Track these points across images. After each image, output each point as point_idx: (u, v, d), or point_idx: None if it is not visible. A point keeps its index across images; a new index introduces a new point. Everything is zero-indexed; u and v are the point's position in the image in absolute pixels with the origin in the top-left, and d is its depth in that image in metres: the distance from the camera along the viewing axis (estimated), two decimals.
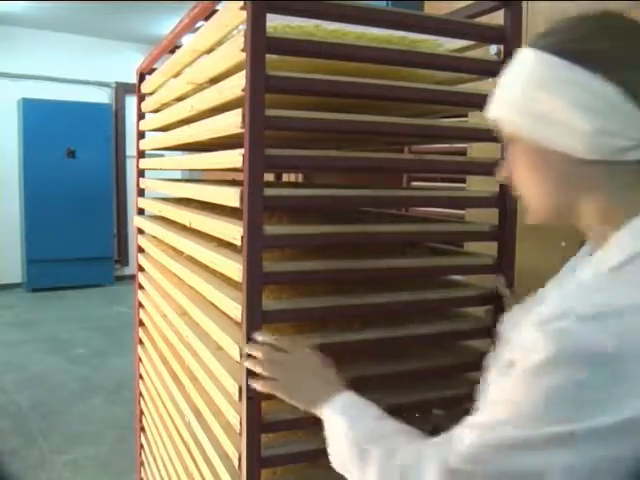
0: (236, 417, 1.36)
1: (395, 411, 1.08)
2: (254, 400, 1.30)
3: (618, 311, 0.78)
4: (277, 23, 1.48)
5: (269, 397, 1.26)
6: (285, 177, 3.46)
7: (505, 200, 1.75)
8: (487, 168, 1.77)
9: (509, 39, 1.74)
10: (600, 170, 0.85)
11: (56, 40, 8.30)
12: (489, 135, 1.45)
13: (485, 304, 1.71)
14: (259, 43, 1.30)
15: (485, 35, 1.87)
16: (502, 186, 1.74)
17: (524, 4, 2.95)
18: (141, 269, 2.78)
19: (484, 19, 2.05)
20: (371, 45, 1.55)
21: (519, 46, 1.68)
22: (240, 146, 1.33)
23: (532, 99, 0.90)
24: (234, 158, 1.36)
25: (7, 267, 8.22)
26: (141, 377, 2.85)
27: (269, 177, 2.75)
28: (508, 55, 1.71)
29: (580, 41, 0.96)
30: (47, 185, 7.97)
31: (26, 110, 8.05)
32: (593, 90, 0.85)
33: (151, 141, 2.65)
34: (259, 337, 1.27)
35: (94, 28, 8.16)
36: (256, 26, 1.33)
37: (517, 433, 0.79)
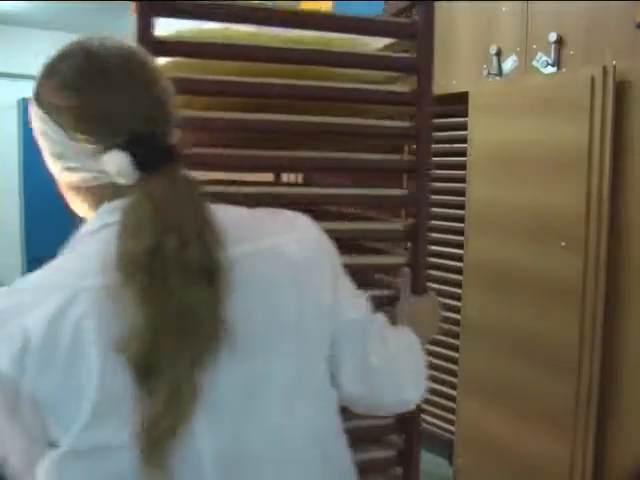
0: None
1: None
2: None
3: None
4: (189, 28, 1.57)
5: None
6: (285, 177, 3.42)
7: (420, 200, 1.85)
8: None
9: (422, 35, 1.74)
10: (86, 189, 1.05)
11: (56, 40, 8.20)
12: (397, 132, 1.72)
13: None
14: (147, 46, 1.32)
15: (398, 32, 1.86)
16: (418, 188, 1.86)
17: (524, 5, 2.96)
18: None
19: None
20: (261, 45, 1.60)
21: (431, 42, 1.76)
22: None
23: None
24: None
25: (7, 265, 8.20)
26: None
27: (268, 177, 2.72)
28: (421, 51, 1.74)
29: (36, 86, 1.09)
30: (47, 184, 7.84)
31: (26, 110, 8.00)
32: (52, 137, 1.05)
33: None
34: None
35: (93, 28, 8.11)
36: (143, 28, 1.53)
37: None
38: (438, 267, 3.62)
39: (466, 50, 3.30)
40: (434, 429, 3.68)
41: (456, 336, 3.31)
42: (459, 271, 3.26)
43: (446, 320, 3.54)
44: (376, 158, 1.90)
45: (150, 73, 1.00)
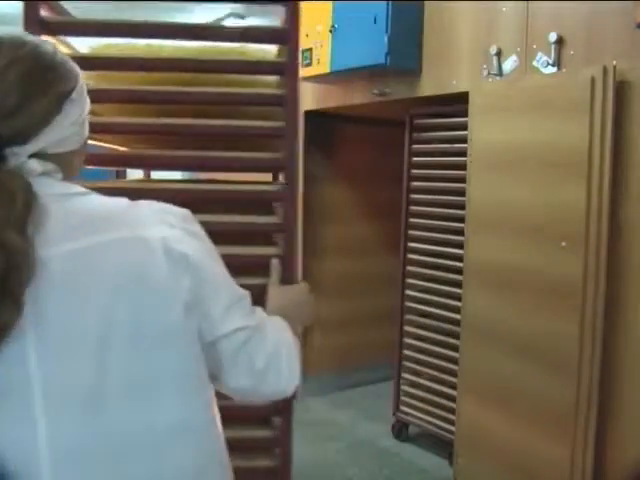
0: None
1: None
2: None
3: None
4: (99, 44, 2.01)
5: None
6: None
7: (286, 196, 1.95)
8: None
9: (289, 38, 1.86)
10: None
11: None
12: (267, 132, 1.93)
13: None
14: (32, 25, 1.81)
15: (269, 37, 2.00)
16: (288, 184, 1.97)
17: (524, 5, 2.96)
18: None
19: None
20: (135, 56, 1.96)
21: (297, 44, 1.85)
22: None
23: None
24: None
25: None
26: None
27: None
28: (291, 53, 1.86)
29: None
30: None
31: None
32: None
33: None
34: None
35: None
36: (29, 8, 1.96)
37: None
38: (438, 267, 3.62)
39: (466, 50, 3.30)
40: (434, 429, 3.68)
41: (456, 336, 3.31)
42: (459, 271, 3.26)
43: (446, 320, 3.54)
44: (246, 156, 2.01)
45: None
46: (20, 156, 0.98)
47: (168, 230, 1.05)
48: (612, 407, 2.66)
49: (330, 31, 3.72)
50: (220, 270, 1.15)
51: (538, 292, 2.78)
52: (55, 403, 0.94)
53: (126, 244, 1.01)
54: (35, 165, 0.99)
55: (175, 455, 1.04)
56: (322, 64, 3.80)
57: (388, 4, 3.40)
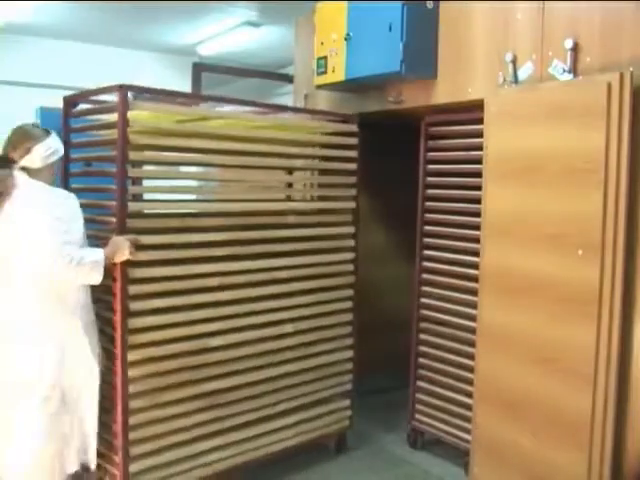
0: None
1: None
2: None
3: None
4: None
5: None
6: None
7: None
8: None
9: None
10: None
11: (73, 49, 8.35)
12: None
13: None
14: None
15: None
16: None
17: (539, 11, 2.95)
18: None
19: None
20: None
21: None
22: None
23: None
24: None
25: None
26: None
27: None
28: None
29: None
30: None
31: (43, 118, 8.06)
32: None
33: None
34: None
35: (110, 37, 8.20)
36: (123, 113, 2.80)
37: None
38: (454, 275, 3.61)
39: (482, 57, 3.29)
40: (450, 438, 3.66)
41: (472, 344, 3.30)
42: (475, 279, 3.24)
43: (462, 328, 3.53)
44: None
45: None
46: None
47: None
48: (629, 416, 2.64)
49: (345, 39, 3.73)
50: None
51: (554, 300, 2.76)
52: None
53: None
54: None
55: None
56: (337, 72, 3.80)
57: (403, 12, 3.40)
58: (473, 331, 3.28)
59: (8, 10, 6.84)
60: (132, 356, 2.89)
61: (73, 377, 2.77)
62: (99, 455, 2.96)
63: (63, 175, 3.20)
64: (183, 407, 3.09)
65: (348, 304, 3.82)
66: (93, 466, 2.92)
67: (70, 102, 3.39)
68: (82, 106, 3.51)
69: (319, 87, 4.08)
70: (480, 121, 3.15)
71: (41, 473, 2.72)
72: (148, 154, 3.04)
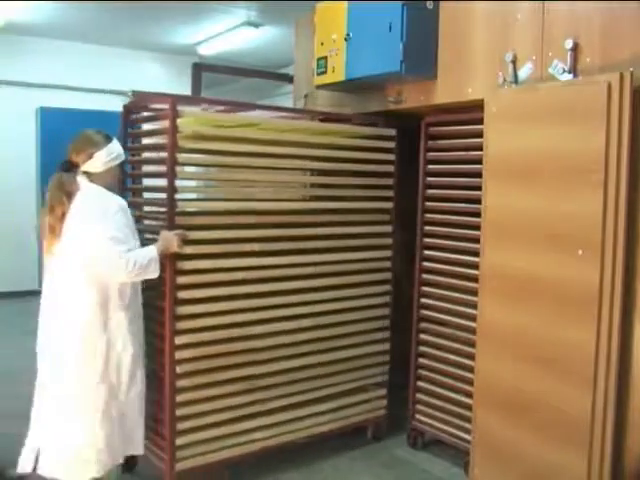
0: None
1: None
2: None
3: None
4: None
5: None
6: None
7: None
8: None
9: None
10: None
11: (72, 49, 8.37)
12: None
13: None
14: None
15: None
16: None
17: (539, 12, 2.95)
18: None
19: None
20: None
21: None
22: None
23: None
24: None
25: (24, 274, 8.27)
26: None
27: None
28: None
29: None
30: None
31: (43, 118, 8.12)
32: None
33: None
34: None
35: (110, 37, 8.21)
36: (173, 120, 3.07)
37: None
38: (454, 275, 3.61)
39: (482, 58, 3.29)
40: (450, 438, 3.66)
41: (472, 345, 3.30)
42: (475, 279, 3.24)
43: (462, 328, 3.53)
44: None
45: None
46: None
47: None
48: (629, 416, 2.64)
49: (345, 39, 3.73)
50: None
51: (554, 300, 2.76)
52: None
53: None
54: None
55: None
56: (337, 72, 3.80)
57: (403, 12, 3.40)
58: (473, 331, 3.28)
59: (8, 10, 6.84)
60: (179, 340, 3.17)
61: (120, 367, 2.97)
62: (151, 432, 3.28)
63: (122, 175, 3.42)
64: (224, 389, 3.35)
65: (385, 299, 3.98)
66: (138, 452, 3.15)
67: (128, 110, 3.62)
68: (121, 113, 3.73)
69: (319, 87, 4.08)
70: (480, 121, 3.15)
71: (92, 451, 2.91)
72: (195, 157, 3.32)
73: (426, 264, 3.82)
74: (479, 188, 3.17)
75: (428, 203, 3.79)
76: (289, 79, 8.54)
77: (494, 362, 3.06)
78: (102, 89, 8.69)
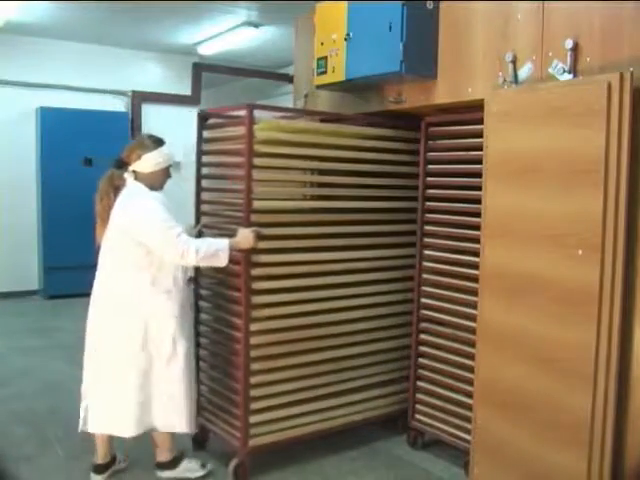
0: None
1: None
2: None
3: None
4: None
5: None
6: None
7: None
8: None
9: None
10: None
11: (72, 49, 8.36)
12: None
13: None
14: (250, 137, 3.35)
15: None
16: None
17: (539, 11, 2.95)
18: None
19: None
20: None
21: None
22: None
23: None
24: None
25: (24, 274, 8.28)
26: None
27: None
28: None
29: None
30: (64, 193, 8.01)
31: (44, 118, 8.11)
32: None
33: None
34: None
35: (110, 37, 8.21)
36: (250, 127, 3.34)
37: None
38: (454, 275, 3.61)
39: (482, 57, 3.29)
40: (450, 438, 3.66)
41: (472, 344, 3.30)
42: (475, 279, 3.24)
43: (462, 328, 3.53)
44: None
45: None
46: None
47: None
48: (629, 416, 2.64)
49: (345, 39, 3.73)
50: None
51: (554, 300, 2.77)
52: None
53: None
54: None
55: None
56: (337, 72, 3.80)
57: (403, 12, 3.40)
58: (473, 331, 3.28)
59: (8, 10, 6.84)
60: (254, 327, 3.47)
61: (162, 340, 3.28)
62: (221, 410, 3.68)
63: (197, 176, 3.85)
64: (288, 373, 3.64)
65: (408, 295, 4.07)
66: (184, 430, 3.42)
67: (203, 116, 3.83)
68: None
69: (319, 87, 4.08)
70: (480, 121, 3.15)
71: (129, 412, 3.26)
72: (268, 161, 3.54)
73: (426, 264, 3.82)
74: (479, 188, 3.17)
75: (428, 203, 3.79)
76: (289, 79, 8.56)
77: (494, 362, 3.06)
78: (102, 89, 8.69)
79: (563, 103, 2.72)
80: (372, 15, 3.59)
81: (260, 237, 3.37)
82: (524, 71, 3.07)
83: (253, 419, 3.51)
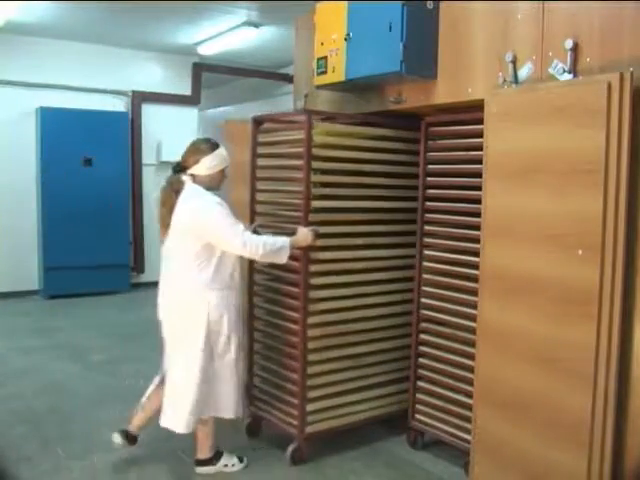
0: None
1: None
2: None
3: None
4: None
5: None
6: None
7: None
8: None
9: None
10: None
11: (73, 49, 8.36)
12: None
13: None
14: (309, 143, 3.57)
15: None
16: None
17: (539, 11, 2.95)
18: None
19: None
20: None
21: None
22: None
23: None
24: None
25: (24, 274, 8.28)
26: None
27: None
28: None
29: None
30: (64, 193, 8.03)
31: (44, 118, 8.11)
32: None
33: None
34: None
35: (110, 37, 8.21)
36: (308, 131, 3.54)
37: None
38: (454, 275, 3.61)
39: (482, 58, 3.29)
40: (450, 438, 3.66)
41: (472, 344, 3.30)
42: (475, 279, 3.24)
43: (462, 328, 3.53)
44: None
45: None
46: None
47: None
48: (629, 416, 2.64)
49: (345, 39, 3.73)
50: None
51: (554, 300, 2.77)
52: None
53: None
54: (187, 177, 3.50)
55: None
56: (337, 72, 3.80)
57: (403, 12, 3.40)
58: (473, 331, 3.28)
59: (8, 10, 6.84)
60: (311, 320, 3.69)
61: (219, 336, 3.42)
62: (276, 400, 3.91)
63: (251, 178, 4.03)
64: (335, 365, 3.84)
65: (411, 295, 4.10)
66: (229, 416, 3.54)
67: (257, 121, 4.02)
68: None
69: (319, 87, 4.08)
70: (480, 121, 3.15)
71: (191, 399, 3.38)
72: (324, 164, 3.75)
73: (426, 264, 3.82)
74: (479, 188, 3.16)
75: (428, 203, 3.79)
76: (289, 79, 8.56)
77: (494, 362, 3.06)
78: (102, 89, 8.69)
79: (563, 103, 2.72)
80: (372, 15, 3.59)
81: (318, 235, 3.56)
82: (524, 71, 3.07)
83: (310, 407, 3.72)
